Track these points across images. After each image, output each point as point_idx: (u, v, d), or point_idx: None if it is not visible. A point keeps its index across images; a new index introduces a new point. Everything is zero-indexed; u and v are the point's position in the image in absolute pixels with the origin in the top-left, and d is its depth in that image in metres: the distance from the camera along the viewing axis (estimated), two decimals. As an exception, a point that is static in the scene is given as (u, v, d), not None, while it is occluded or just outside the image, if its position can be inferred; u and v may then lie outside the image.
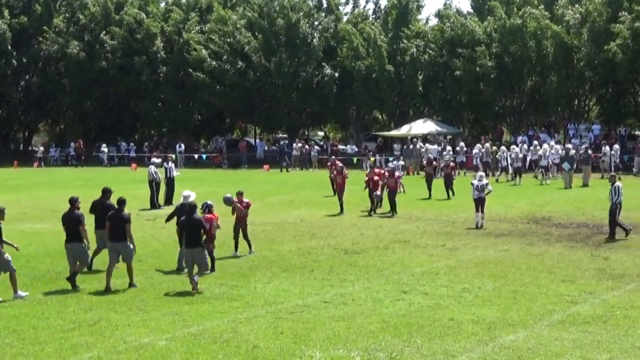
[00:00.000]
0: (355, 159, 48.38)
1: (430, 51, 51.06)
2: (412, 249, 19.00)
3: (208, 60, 54.65)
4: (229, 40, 55.65)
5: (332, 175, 27.34)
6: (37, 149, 58.22)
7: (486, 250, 18.71)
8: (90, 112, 62.93)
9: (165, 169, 28.92)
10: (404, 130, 49.89)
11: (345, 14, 59.39)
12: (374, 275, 15.88)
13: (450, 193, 29.71)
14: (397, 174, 30.15)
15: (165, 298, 14.08)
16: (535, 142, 39.67)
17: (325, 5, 58.24)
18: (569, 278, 15.32)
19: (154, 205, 27.75)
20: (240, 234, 18.27)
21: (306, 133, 62.59)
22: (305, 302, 13.52)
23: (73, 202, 15.18)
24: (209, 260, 15.52)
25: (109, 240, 15.17)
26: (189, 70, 54.81)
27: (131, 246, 14.96)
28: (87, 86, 59.56)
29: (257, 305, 13.43)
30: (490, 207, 23.94)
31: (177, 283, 15.26)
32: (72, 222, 14.94)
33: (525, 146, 40.20)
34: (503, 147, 39.34)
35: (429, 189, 30.27)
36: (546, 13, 47.17)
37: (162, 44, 58.20)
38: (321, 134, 70.61)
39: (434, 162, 36.35)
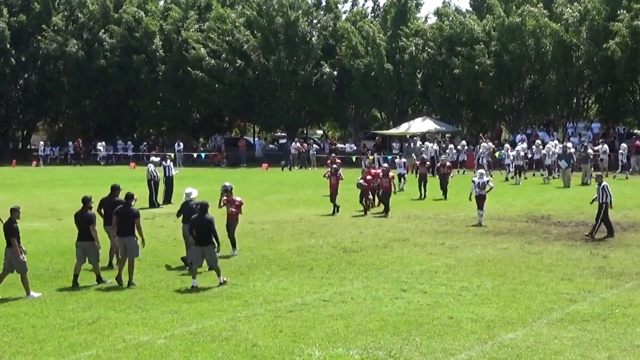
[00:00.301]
0: (354, 157, 48.37)
1: (429, 49, 51.10)
2: (411, 247, 18.97)
3: (207, 58, 54.61)
4: (227, 38, 55.60)
5: (326, 175, 26.52)
6: (37, 146, 58.11)
7: (485, 248, 18.70)
8: (89, 111, 62.78)
9: (164, 167, 28.93)
10: (402, 128, 49.88)
11: (344, 12, 59.50)
12: (373, 273, 15.86)
13: (446, 194, 28.93)
14: (400, 171, 30.00)
15: (164, 296, 14.06)
16: (539, 142, 39.53)
17: (324, 4, 58.29)
18: (568, 276, 15.31)
19: (153, 204, 27.74)
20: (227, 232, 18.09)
21: (305, 131, 62.54)
22: (304, 301, 13.51)
23: (86, 201, 15.16)
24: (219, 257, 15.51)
25: (117, 235, 15.23)
26: (188, 68, 54.80)
27: (139, 240, 15.06)
28: (86, 85, 59.50)
29: (256, 303, 13.42)
30: (490, 205, 23.90)
31: (176, 281, 15.25)
32: (84, 221, 15.00)
33: (525, 144, 40.14)
34: (507, 145, 39.28)
35: (420, 189, 29.59)
36: (545, 11, 47.20)
37: (160, 42, 58.17)
38: (320, 132, 70.52)
39: (433, 161, 36.15)
